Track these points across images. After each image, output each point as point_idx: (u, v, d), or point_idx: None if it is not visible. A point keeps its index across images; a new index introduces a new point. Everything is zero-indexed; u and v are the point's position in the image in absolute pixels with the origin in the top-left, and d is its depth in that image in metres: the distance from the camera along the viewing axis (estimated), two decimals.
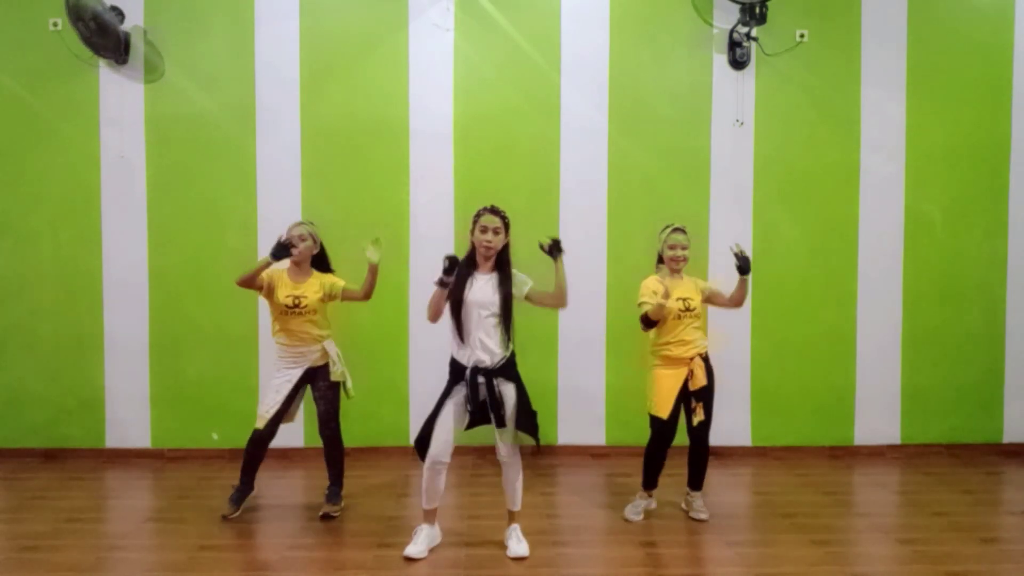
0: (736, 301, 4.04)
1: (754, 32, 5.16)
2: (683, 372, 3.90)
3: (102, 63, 5.11)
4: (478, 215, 3.47)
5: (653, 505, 4.14)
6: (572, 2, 5.26)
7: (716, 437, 5.32)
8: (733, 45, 5.21)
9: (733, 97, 5.30)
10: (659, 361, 3.94)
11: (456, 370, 3.47)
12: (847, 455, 5.35)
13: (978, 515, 4.13)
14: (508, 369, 3.47)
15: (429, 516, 3.57)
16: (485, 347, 3.40)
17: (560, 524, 3.97)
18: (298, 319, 3.94)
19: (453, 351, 3.50)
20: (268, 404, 3.94)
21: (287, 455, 5.12)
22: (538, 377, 5.30)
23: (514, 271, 3.53)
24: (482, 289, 3.43)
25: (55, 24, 5.07)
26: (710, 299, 4.08)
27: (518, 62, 5.24)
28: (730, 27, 5.19)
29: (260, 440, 3.99)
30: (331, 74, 5.21)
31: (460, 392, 3.44)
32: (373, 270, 3.92)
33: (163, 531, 3.84)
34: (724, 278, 5.24)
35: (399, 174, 5.23)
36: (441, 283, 3.35)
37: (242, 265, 5.15)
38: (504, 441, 3.48)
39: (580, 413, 5.27)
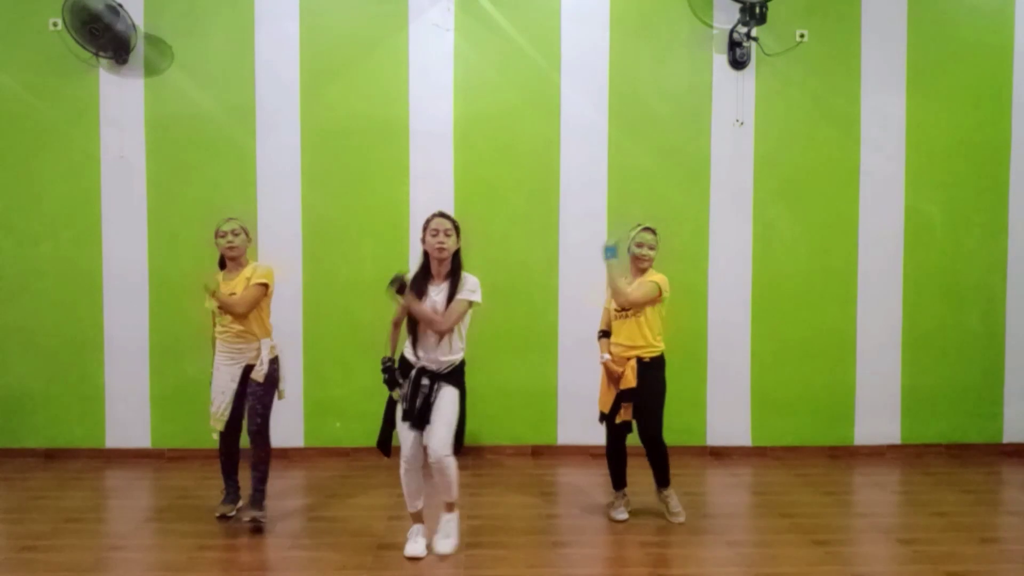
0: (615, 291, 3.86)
1: (754, 32, 5.16)
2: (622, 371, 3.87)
3: (102, 63, 5.12)
4: (428, 220, 3.48)
5: (627, 505, 4.06)
6: (572, 2, 5.26)
7: (716, 437, 5.37)
8: (733, 45, 5.21)
9: (733, 97, 5.30)
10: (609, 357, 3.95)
11: (404, 367, 3.51)
12: (847, 455, 5.35)
13: (978, 515, 4.13)
14: (454, 375, 3.49)
15: (417, 517, 3.59)
16: (434, 355, 3.43)
17: (559, 524, 3.96)
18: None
19: (406, 349, 3.53)
20: (217, 405, 3.87)
21: (287, 455, 5.13)
22: (538, 377, 5.34)
23: (468, 277, 3.50)
24: (434, 300, 3.44)
25: (55, 24, 5.07)
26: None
27: (518, 62, 5.25)
28: (730, 27, 5.20)
29: (224, 442, 3.96)
30: (331, 74, 5.21)
31: (404, 388, 3.46)
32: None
33: (163, 531, 3.84)
34: (722, 279, 5.32)
35: (399, 174, 5.23)
36: (399, 290, 3.35)
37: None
38: (433, 447, 3.38)
39: (580, 413, 5.26)
